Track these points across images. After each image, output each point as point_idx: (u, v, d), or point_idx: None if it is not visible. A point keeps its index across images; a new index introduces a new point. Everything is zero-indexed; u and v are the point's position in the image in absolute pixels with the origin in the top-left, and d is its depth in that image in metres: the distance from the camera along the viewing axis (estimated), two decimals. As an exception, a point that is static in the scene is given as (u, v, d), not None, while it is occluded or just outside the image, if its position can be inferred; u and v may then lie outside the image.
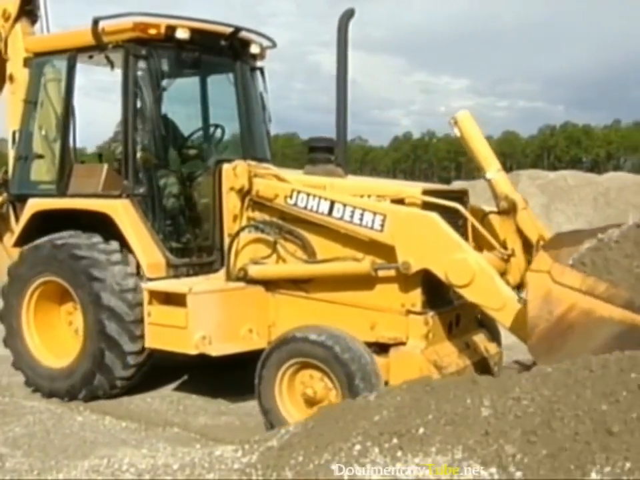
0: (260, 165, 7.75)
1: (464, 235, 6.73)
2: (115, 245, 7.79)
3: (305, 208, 7.07)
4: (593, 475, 3.76)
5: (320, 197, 6.99)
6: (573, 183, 31.80)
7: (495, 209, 7.14)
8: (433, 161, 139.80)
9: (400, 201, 6.83)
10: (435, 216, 6.47)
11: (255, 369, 6.79)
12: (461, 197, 7.27)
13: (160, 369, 8.17)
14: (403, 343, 6.71)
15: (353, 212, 6.77)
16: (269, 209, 7.42)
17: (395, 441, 4.47)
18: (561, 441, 4.03)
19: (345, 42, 7.48)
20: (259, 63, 8.98)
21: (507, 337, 7.41)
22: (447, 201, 6.79)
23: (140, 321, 7.47)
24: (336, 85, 7.57)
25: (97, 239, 7.82)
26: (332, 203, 6.90)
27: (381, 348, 6.78)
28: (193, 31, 7.89)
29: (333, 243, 7.04)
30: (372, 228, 6.68)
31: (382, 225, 6.62)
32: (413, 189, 6.94)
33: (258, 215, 7.52)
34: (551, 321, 5.54)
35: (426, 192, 6.88)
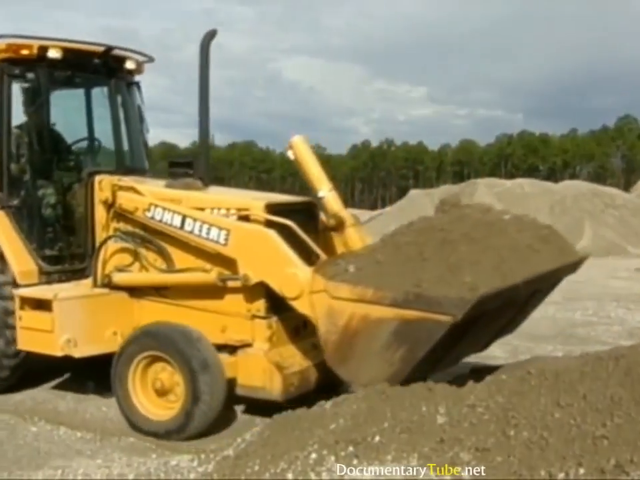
0: (123, 178, 8.14)
1: (318, 245, 7.19)
2: None
3: (161, 221, 7.59)
4: (547, 481, 3.80)
5: (173, 212, 7.50)
6: (530, 191, 32.06)
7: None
8: (391, 169, 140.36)
9: (245, 216, 7.32)
10: (271, 233, 6.97)
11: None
12: (307, 208, 7.80)
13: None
14: (250, 345, 7.24)
15: (201, 226, 7.31)
16: (131, 220, 7.92)
17: (350, 449, 4.51)
18: (514, 448, 4.07)
19: (207, 62, 7.96)
20: (136, 77, 9.52)
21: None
22: (282, 218, 7.14)
23: (14, 327, 7.96)
24: (198, 102, 8.07)
25: None
26: (183, 217, 7.42)
27: (233, 349, 7.31)
28: (66, 51, 8.40)
29: (187, 254, 7.58)
30: (217, 242, 7.20)
31: (226, 239, 7.15)
32: (257, 204, 7.38)
33: (122, 225, 8.02)
34: (338, 333, 6.16)
35: (269, 206, 7.32)
